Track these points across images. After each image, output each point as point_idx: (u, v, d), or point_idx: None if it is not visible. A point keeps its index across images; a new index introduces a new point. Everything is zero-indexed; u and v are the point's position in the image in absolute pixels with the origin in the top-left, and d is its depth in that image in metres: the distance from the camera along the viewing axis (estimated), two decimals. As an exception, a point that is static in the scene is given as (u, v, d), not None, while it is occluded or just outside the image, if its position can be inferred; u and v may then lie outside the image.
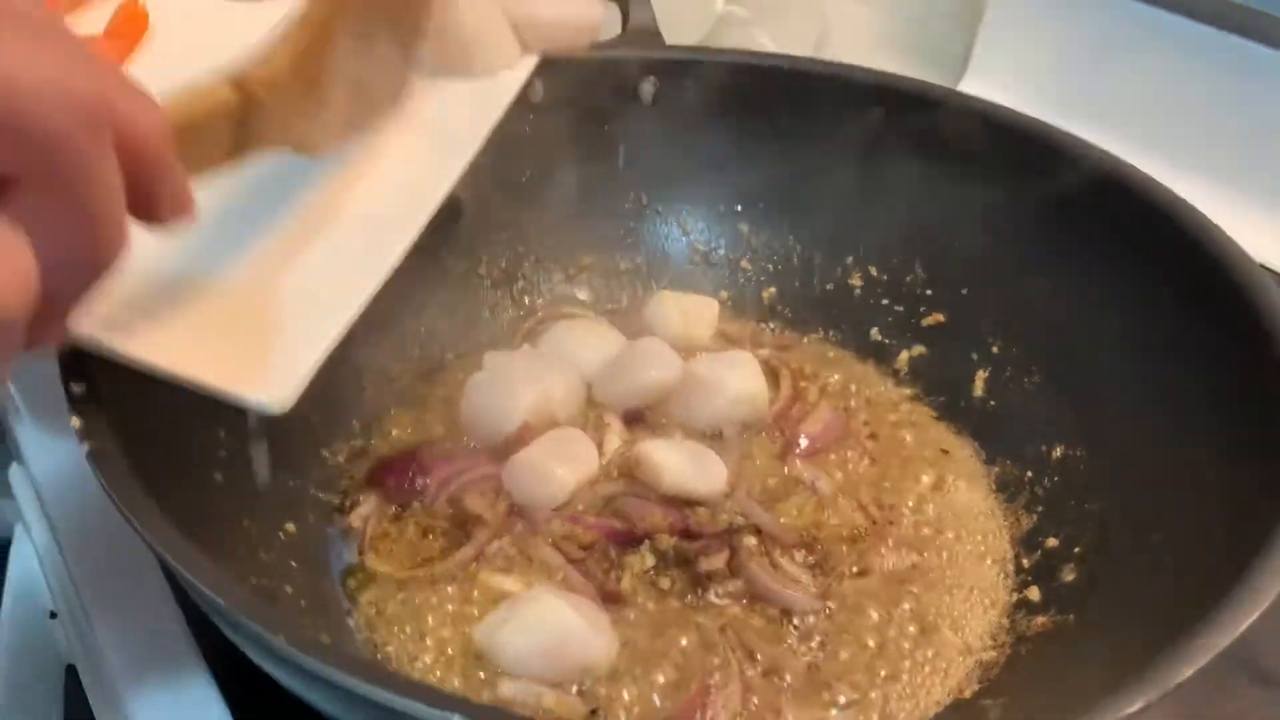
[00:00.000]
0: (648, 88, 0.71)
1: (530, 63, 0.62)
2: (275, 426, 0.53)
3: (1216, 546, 0.48)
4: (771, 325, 0.74)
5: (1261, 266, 0.61)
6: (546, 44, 0.62)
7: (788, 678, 0.52)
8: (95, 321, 0.43)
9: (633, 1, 0.73)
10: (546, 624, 0.51)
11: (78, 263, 0.34)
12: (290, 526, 0.57)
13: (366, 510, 0.60)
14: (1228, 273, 0.54)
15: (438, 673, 0.52)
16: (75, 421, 0.44)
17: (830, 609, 0.56)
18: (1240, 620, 0.41)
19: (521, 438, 0.61)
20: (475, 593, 0.56)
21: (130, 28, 0.59)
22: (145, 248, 0.39)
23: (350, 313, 0.50)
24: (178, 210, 0.38)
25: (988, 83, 0.97)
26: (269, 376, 0.47)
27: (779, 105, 0.71)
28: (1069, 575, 0.56)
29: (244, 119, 0.45)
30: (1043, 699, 0.51)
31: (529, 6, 0.61)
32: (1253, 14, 0.80)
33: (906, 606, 0.56)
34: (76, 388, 0.45)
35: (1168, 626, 0.43)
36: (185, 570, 0.39)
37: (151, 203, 0.36)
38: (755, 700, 0.51)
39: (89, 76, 0.32)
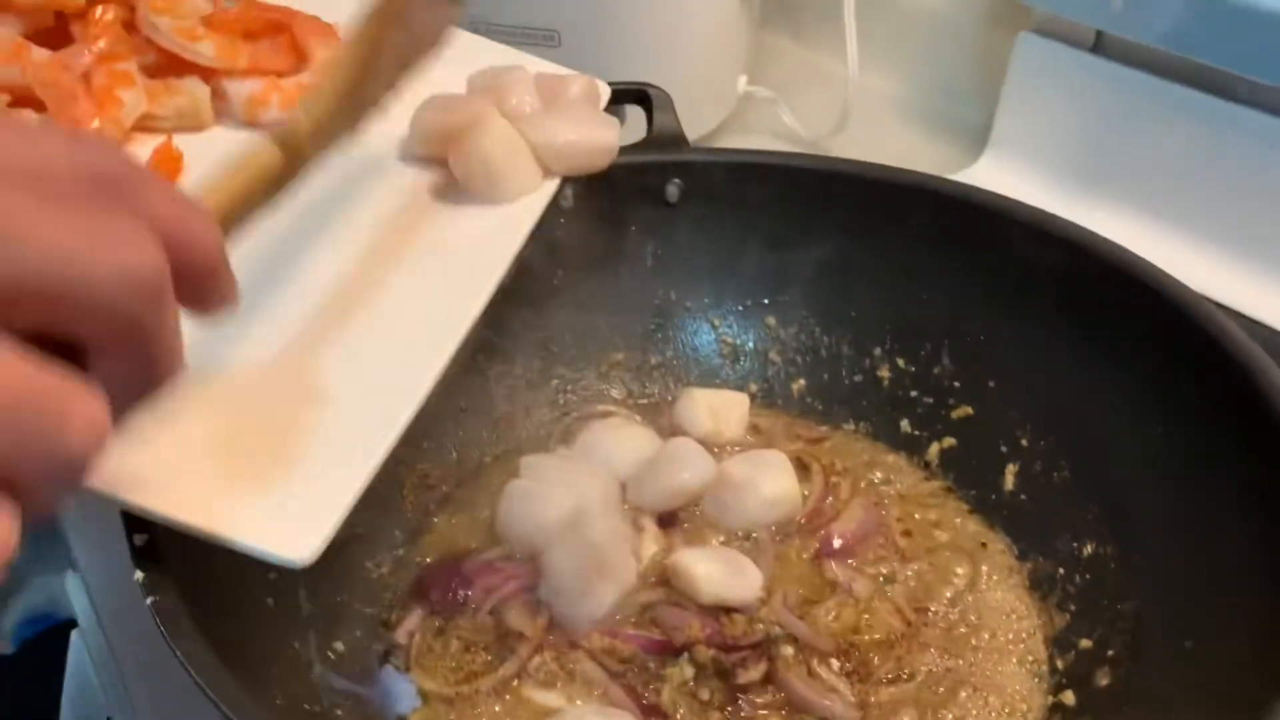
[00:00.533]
0: (673, 189, 0.73)
1: (552, 186, 0.64)
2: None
3: (1247, 661, 0.49)
4: (802, 417, 0.75)
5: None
6: (566, 167, 0.64)
7: (828, 791, 0.53)
8: (112, 477, 0.41)
9: (656, 106, 0.74)
10: (589, 744, 0.53)
11: (138, 390, 0.37)
12: (339, 646, 0.58)
13: (412, 625, 0.61)
14: (1253, 381, 0.54)
15: (486, 793, 0.54)
16: (138, 575, 0.46)
17: (868, 717, 0.57)
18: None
19: (560, 547, 0.62)
20: (520, 709, 0.57)
21: (166, 169, 0.60)
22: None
23: (376, 458, 0.47)
24: (224, 302, 0.40)
25: (1008, 152, 0.98)
26: (290, 527, 0.44)
27: (801, 201, 0.72)
28: (1104, 679, 0.57)
29: (289, 168, 0.45)
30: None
31: (549, 132, 0.63)
32: (1273, 91, 0.80)
33: (944, 713, 0.57)
34: (139, 539, 0.46)
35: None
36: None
37: (202, 301, 0.39)
38: (797, 815, 0.52)
39: (142, 242, 0.34)
